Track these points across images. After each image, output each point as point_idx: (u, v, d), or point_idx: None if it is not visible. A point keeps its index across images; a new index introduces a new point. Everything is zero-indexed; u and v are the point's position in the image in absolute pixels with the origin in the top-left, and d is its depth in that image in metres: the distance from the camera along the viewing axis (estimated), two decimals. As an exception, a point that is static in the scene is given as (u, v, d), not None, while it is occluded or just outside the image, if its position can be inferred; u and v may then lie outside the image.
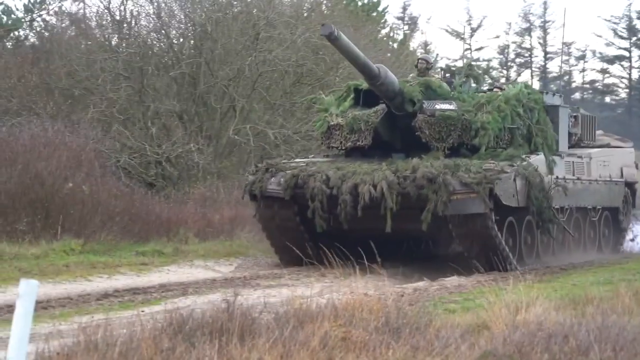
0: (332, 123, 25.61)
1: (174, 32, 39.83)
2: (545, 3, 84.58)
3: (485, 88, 29.41)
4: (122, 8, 40.82)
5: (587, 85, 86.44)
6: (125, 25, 40.11)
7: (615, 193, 30.88)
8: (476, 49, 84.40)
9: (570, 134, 29.57)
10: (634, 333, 13.49)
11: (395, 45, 53.89)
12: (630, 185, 32.20)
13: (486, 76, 44.03)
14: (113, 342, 12.63)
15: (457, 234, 23.70)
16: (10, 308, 16.85)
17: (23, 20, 42.07)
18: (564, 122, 28.44)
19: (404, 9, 71.51)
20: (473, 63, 34.70)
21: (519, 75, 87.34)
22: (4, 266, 24.37)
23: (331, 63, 40.01)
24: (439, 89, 25.87)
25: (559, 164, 27.06)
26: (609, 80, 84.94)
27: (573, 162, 28.11)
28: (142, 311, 17.33)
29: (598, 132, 33.04)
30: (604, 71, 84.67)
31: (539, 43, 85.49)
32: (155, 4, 40.79)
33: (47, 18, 42.84)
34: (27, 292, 9.99)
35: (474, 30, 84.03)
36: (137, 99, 38.35)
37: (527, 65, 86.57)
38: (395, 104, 25.23)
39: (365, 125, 25.19)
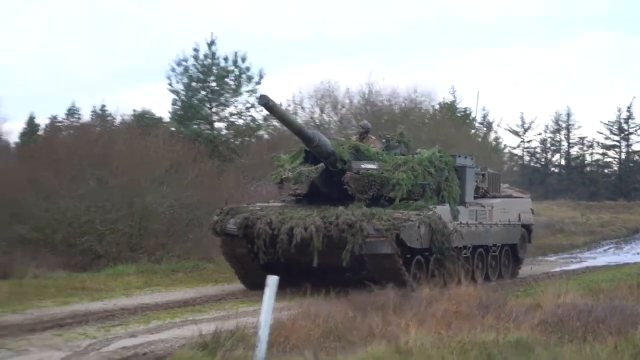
0: (284, 176, 21.15)
1: (350, 132, 39.80)
2: (568, 114, 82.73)
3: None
4: (320, 117, 41.03)
5: (594, 162, 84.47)
6: (320, 127, 40.26)
7: (513, 233, 25.61)
8: (527, 141, 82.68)
9: (477, 188, 24.50)
10: (631, 310, 13.25)
11: (479, 139, 53.27)
12: (526, 226, 26.75)
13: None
14: (319, 313, 12.62)
15: (372, 269, 19.19)
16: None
17: (262, 125, 42.30)
18: (471, 179, 23.40)
19: (484, 117, 70.27)
20: (404, 132, 24.88)
21: (552, 156, 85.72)
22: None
23: (442, 148, 39.05)
24: (366, 152, 21.06)
25: (464, 212, 22.18)
26: (607, 159, 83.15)
27: (476, 210, 23.10)
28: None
29: (504, 185, 27.96)
30: (604, 154, 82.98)
31: (565, 137, 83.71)
32: (339, 115, 40.90)
33: (275, 123, 43.01)
34: (271, 283, 10.38)
35: (525, 130, 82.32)
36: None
37: (557, 151, 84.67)
38: (330, 162, 20.49)
39: (305, 179, 20.60)
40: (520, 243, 26.21)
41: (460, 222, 21.58)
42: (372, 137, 23.24)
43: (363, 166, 20.38)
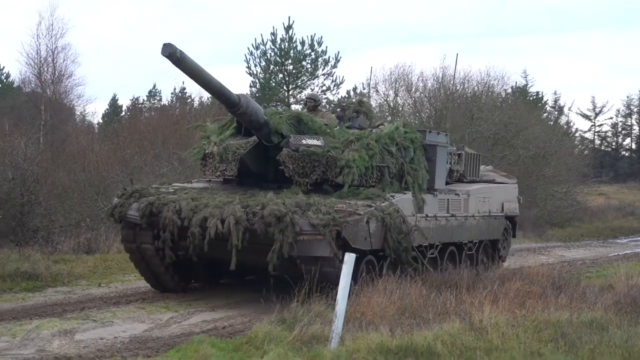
0: (207, 151, 16.13)
1: (424, 115, 39.50)
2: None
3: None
4: (394, 100, 40.84)
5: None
6: (394, 110, 40.13)
7: (494, 227, 20.20)
8: (598, 125, 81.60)
9: (452, 171, 19.46)
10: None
11: (551, 123, 52.62)
12: (510, 218, 21.40)
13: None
14: (394, 290, 12.57)
15: (307, 273, 13.64)
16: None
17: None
18: (442, 160, 18.17)
19: (555, 101, 69.59)
20: (364, 99, 21.18)
21: (624, 140, 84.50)
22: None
23: (514, 132, 38.77)
24: (310, 123, 16.14)
25: (432, 202, 17.00)
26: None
27: (448, 199, 17.76)
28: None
29: (487, 167, 22.84)
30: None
31: (636, 121, 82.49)
32: (412, 99, 40.70)
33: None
34: (349, 260, 10.37)
35: (597, 114, 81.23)
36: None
37: (629, 135, 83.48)
38: (263, 135, 15.74)
39: (232, 156, 15.66)
40: (503, 238, 21.19)
41: (427, 215, 16.76)
42: (323, 110, 19.00)
43: (304, 142, 15.75)
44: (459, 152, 20.00)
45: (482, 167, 21.71)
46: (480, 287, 13.60)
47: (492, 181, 21.26)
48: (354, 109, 18.32)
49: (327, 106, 19.70)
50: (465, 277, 14.44)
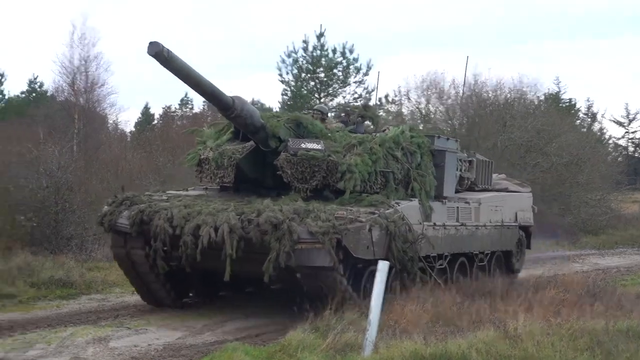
0: (203, 157, 15.34)
1: (456, 122, 39.41)
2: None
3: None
4: (426, 107, 40.82)
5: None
6: (426, 117, 40.06)
7: (507, 237, 19.25)
8: (632, 132, 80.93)
9: (463, 178, 18.43)
10: None
11: (584, 130, 52.33)
12: (525, 228, 20.42)
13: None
14: (428, 298, 12.60)
15: (306, 285, 13.31)
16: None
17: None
18: (451, 167, 17.18)
19: (588, 108, 69.11)
20: (370, 104, 19.75)
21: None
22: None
23: (547, 139, 38.50)
24: (310, 126, 15.22)
25: (441, 210, 16.14)
26: None
27: (458, 207, 16.92)
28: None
29: (500, 176, 21.68)
30: None
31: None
32: (445, 106, 40.62)
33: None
34: (382, 268, 10.51)
35: (630, 120, 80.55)
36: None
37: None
38: (259, 139, 14.79)
39: (228, 161, 14.87)
40: (516, 250, 20.24)
41: (435, 224, 15.83)
42: (331, 120, 17.94)
43: (303, 146, 14.80)
44: (469, 159, 19.07)
45: (494, 175, 20.84)
46: (515, 295, 13.57)
47: (505, 190, 20.46)
48: (359, 114, 17.47)
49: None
50: (500, 285, 14.41)
